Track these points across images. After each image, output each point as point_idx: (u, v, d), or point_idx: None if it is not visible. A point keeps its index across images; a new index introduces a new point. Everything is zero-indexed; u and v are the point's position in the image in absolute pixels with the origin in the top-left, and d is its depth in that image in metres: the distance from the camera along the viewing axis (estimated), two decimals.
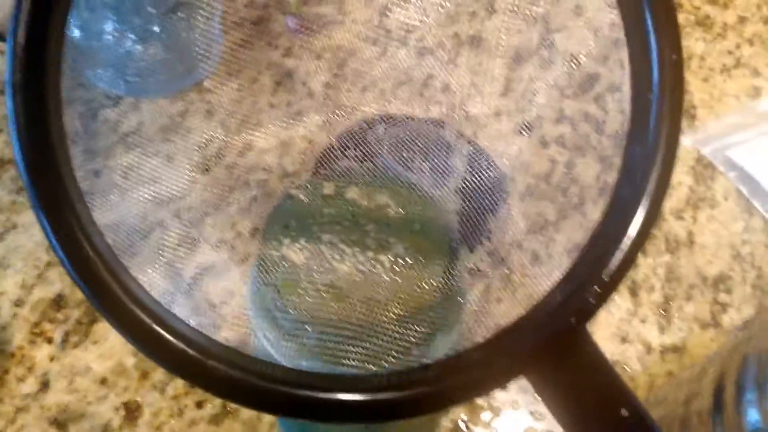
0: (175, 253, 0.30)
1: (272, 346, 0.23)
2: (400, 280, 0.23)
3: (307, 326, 0.22)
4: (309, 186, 0.25)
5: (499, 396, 0.38)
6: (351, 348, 0.22)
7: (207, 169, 0.34)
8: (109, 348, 0.39)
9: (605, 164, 0.31)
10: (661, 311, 0.41)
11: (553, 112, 0.41)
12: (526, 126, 0.35)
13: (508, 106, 0.36)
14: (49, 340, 0.39)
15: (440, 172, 0.26)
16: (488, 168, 0.27)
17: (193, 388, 0.38)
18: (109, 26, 0.42)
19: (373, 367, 0.22)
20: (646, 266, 0.42)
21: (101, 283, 0.20)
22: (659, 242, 0.43)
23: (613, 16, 0.22)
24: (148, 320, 0.20)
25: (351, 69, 0.38)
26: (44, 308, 0.40)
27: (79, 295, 0.39)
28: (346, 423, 0.20)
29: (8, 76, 0.19)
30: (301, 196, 0.25)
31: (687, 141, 0.46)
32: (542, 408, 0.29)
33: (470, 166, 0.27)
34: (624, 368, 0.39)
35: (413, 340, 0.22)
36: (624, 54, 0.22)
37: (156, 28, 0.43)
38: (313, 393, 0.19)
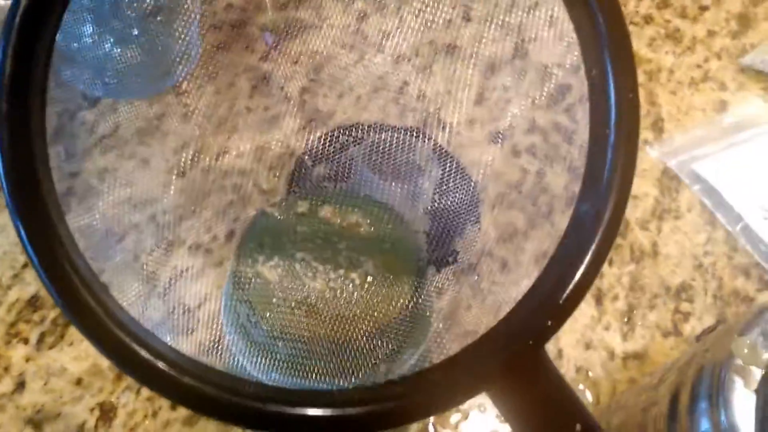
0: (150, 257, 0.31)
1: (245, 358, 0.24)
2: (369, 298, 0.24)
3: (278, 341, 0.23)
4: (284, 204, 0.26)
5: None
6: (321, 363, 0.23)
7: (183, 173, 0.35)
8: (84, 349, 0.39)
9: (573, 174, 0.32)
10: (625, 319, 0.42)
11: (525, 121, 0.41)
12: (499, 135, 0.36)
13: (482, 115, 0.36)
14: (25, 341, 0.39)
15: (411, 192, 0.27)
16: (460, 186, 0.28)
17: None
18: (88, 29, 0.42)
19: (341, 382, 0.22)
20: (611, 275, 0.43)
21: (79, 300, 0.20)
22: (624, 252, 0.44)
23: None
24: (121, 334, 0.21)
25: (328, 74, 0.39)
26: (20, 309, 0.40)
27: None
28: None
29: None
30: (276, 214, 0.25)
31: (654, 153, 0.48)
32: None
33: (441, 185, 0.28)
34: (588, 374, 0.40)
35: (381, 356, 0.23)
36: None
37: (135, 32, 0.43)
38: (283, 408, 0.20)
